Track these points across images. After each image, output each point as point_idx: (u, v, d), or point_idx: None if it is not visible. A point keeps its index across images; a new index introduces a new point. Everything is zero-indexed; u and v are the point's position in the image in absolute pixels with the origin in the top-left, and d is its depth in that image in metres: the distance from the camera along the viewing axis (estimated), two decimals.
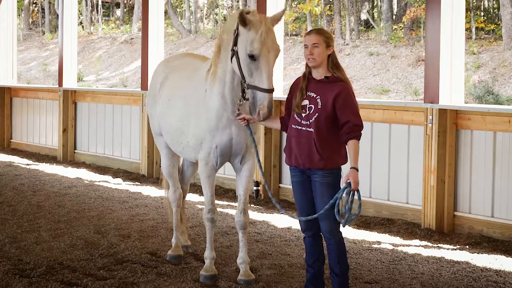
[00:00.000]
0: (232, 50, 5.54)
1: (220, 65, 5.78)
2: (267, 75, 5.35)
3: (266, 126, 5.84)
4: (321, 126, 5.18)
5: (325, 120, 5.17)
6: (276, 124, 5.58)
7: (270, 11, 9.98)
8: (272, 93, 5.36)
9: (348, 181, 5.06)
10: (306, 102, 5.25)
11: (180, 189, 6.94)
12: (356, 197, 5.09)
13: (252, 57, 5.37)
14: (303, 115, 5.24)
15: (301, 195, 5.34)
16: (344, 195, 5.07)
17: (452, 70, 8.11)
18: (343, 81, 5.23)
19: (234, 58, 5.54)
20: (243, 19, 5.39)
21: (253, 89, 5.37)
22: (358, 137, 5.18)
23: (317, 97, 5.21)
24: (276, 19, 5.59)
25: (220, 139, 5.86)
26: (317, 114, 5.19)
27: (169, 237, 7.40)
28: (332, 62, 5.25)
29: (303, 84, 5.30)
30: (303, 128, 5.24)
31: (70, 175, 11.80)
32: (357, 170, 5.09)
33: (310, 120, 5.21)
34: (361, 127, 5.20)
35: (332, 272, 5.33)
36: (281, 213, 5.50)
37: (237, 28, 5.49)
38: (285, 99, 5.68)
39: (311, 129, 5.20)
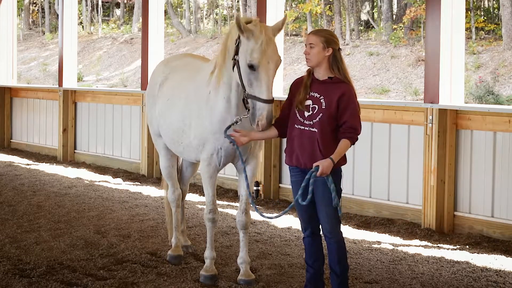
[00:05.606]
0: (234, 59, 5.50)
1: (225, 70, 5.72)
2: (266, 86, 5.29)
3: (262, 139, 5.77)
4: (324, 127, 5.17)
5: (329, 120, 5.16)
6: (272, 133, 5.50)
7: (270, 12, 9.99)
8: (271, 103, 5.31)
9: (316, 165, 5.07)
10: (309, 102, 5.23)
11: (179, 189, 6.93)
12: (328, 183, 5.12)
13: (251, 67, 5.32)
14: (306, 115, 5.23)
15: None
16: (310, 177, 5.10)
17: (452, 70, 8.11)
18: (346, 82, 5.23)
19: (235, 67, 5.50)
20: (241, 28, 5.35)
21: (252, 99, 5.33)
22: (351, 138, 5.17)
23: (321, 98, 5.20)
24: (277, 28, 5.53)
25: (225, 141, 5.80)
26: (321, 114, 5.18)
27: (169, 237, 7.39)
28: (335, 63, 5.22)
29: (308, 81, 5.27)
30: (306, 128, 5.22)
31: (70, 175, 11.80)
32: (333, 163, 5.09)
33: (314, 120, 5.20)
34: (357, 130, 5.19)
35: (332, 272, 5.34)
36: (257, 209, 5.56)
37: (239, 37, 5.46)
38: (284, 99, 5.66)
39: (315, 129, 5.18)
